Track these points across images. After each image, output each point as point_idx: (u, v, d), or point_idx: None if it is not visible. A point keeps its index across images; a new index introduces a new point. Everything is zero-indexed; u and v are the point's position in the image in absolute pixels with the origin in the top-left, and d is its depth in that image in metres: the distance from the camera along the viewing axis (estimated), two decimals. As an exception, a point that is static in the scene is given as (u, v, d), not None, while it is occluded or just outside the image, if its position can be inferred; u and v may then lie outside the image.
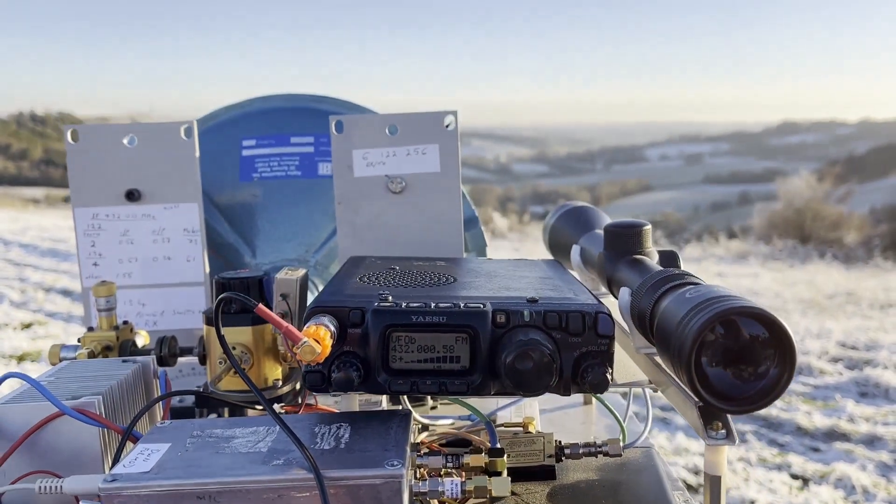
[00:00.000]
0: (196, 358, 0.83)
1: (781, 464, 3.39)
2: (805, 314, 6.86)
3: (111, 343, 0.82)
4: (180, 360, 0.86)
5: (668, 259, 0.69)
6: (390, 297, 0.60)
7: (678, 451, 3.47)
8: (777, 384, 0.49)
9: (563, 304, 0.60)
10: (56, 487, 0.55)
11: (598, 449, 0.69)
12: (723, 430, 0.51)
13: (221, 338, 0.56)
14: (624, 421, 0.83)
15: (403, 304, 0.59)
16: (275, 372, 0.76)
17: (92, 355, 0.80)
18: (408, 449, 0.55)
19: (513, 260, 0.85)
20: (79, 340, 0.83)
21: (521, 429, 0.73)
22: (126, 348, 0.83)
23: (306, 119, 1.14)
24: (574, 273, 0.83)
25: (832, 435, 3.70)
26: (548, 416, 0.92)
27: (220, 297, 0.58)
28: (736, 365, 0.50)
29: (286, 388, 0.76)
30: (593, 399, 0.92)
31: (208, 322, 0.76)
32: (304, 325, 0.56)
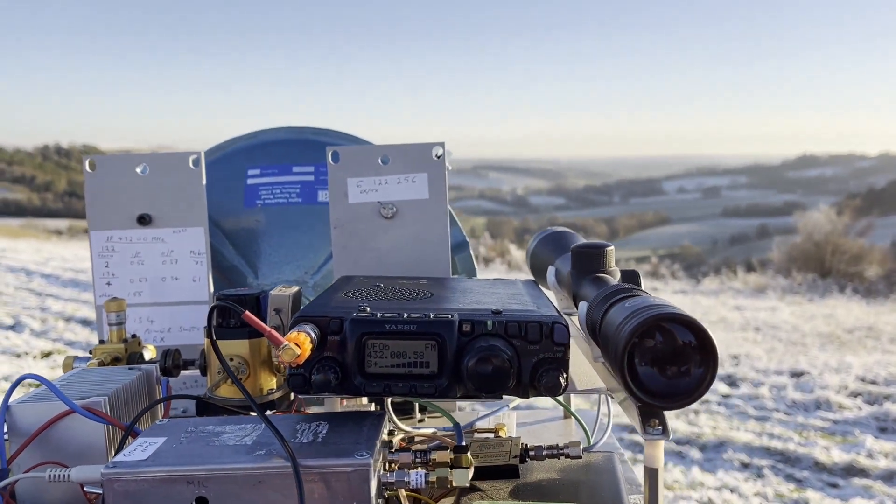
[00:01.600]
0: (198, 371, 0.89)
1: (799, 500, 3.34)
2: (824, 348, 6.79)
3: (120, 354, 0.89)
4: (183, 373, 0.92)
5: (629, 277, 0.75)
6: (367, 309, 0.67)
7: (693, 485, 3.45)
8: (702, 383, 0.55)
9: (523, 315, 0.66)
10: (64, 476, 0.61)
11: (560, 451, 0.74)
12: (659, 427, 0.57)
13: (214, 343, 0.63)
14: (592, 428, 0.88)
15: (378, 315, 0.65)
16: (269, 382, 0.83)
17: (102, 365, 0.86)
18: (378, 444, 0.61)
19: (491, 279, 0.91)
20: (90, 352, 0.90)
21: (493, 434, 0.78)
22: (134, 360, 0.89)
23: (307, 150, 1.21)
24: (549, 292, 0.88)
25: (851, 470, 3.65)
26: (527, 428, 0.97)
27: (213, 306, 0.64)
28: (665, 366, 0.55)
29: (278, 394, 0.82)
30: (571, 414, 0.97)
31: (208, 336, 0.83)
32: (288, 331, 0.63)
